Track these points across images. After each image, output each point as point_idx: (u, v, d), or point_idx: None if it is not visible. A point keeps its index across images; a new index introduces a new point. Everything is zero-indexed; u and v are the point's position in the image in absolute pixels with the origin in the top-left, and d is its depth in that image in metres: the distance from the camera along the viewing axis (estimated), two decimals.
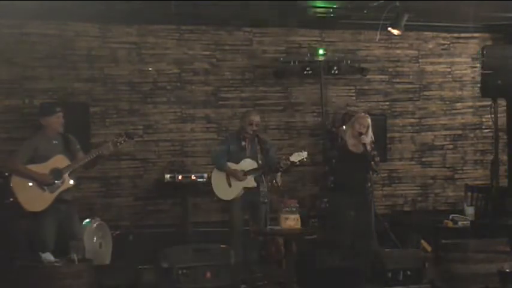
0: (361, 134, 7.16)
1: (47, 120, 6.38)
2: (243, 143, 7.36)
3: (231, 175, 7.25)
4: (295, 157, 7.14)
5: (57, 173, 6.26)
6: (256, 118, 7.36)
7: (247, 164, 7.26)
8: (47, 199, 6.22)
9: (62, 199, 6.29)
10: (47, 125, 6.38)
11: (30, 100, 8.44)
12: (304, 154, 7.18)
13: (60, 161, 6.30)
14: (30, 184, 6.19)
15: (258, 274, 7.01)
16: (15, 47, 8.45)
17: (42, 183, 6.20)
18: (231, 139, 7.46)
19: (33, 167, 6.22)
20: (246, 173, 7.21)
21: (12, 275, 5.96)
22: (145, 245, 7.72)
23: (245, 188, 7.22)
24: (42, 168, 6.23)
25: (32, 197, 6.18)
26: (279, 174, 7.32)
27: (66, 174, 6.29)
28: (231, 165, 7.28)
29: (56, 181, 6.24)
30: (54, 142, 6.39)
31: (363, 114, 7.57)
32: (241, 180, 7.23)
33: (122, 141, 6.47)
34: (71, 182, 6.33)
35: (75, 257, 5.83)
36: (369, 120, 7.30)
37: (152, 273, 6.47)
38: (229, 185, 7.28)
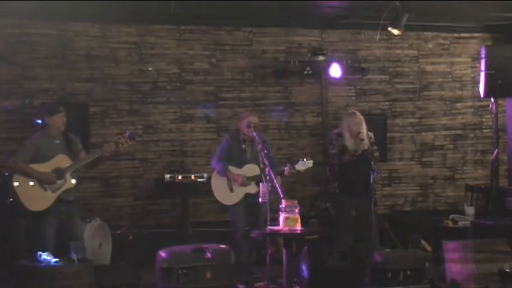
0: (359, 133, 7.16)
1: (51, 119, 6.38)
2: (243, 146, 7.24)
3: (233, 181, 7.14)
4: (301, 166, 7.06)
5: (60, 173, 6.26)
6: (254, 119, 7.21)
7: (250, 169, 7.14)
8: (49, 199, 6.22)
9: (63, 199, 6.29)
10: (51, 124, 6.38)
11: (30, 100, 8.43)
12: (310, 163, 7.08)
13: (62, 160, 6.30)
14: (32, 183, 6.19)
15: (258, 274, 7.00)
16: (15, 47, 8.45)
17: (45, 182, 6.20)
18: (231, 142, 7.29)
19: (35, 167, 6.23)
20: (249, 179, 7.10)
21: (12, 275, 5.97)
22: (145, 245, 7.72)
23: (247, 194, 7.13)
24: (44, 168, 6.23)
25: (34, 196, 6.18)
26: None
27: (68, 174, 6.29)
28: (234, 170, 7.17)
29: (58, 181, 6.24)
30: (56, 141, 6.39)
31: (353, 112, 7.44)
32: (245, 186, 7.15)
33: (124, 142, 6.46)
34: (73, 181, 6.33)
35: (75, 257, 5.83)
36: (361, 116, 7.27)
37: (152, 273, 6.47)
38: (231, 190, 7.16)
